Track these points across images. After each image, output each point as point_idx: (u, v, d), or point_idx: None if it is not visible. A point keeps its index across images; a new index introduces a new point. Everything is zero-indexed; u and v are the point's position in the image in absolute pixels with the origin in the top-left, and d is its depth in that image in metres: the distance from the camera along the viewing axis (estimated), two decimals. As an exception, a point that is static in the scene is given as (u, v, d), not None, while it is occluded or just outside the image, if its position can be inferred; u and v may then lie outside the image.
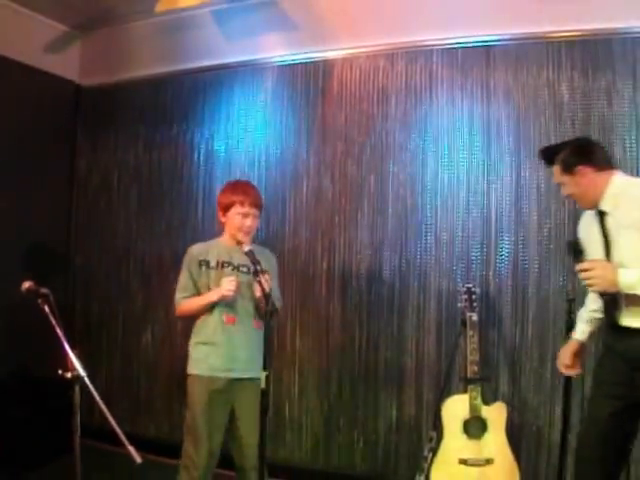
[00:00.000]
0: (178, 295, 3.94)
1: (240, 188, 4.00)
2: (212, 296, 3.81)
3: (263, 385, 3.40)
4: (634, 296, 3.21)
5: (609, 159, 3.53)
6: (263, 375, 3.40)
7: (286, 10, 5.22)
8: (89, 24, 5.96)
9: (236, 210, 3.90)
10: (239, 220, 3.89)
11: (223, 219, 3.98)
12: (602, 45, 4.64)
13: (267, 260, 3.98)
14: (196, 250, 3.98)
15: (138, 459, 2.90)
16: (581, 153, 3.48)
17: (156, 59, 5.90)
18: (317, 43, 5.30)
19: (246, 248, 3.76)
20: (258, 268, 3.63)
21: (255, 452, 3.58)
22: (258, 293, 3.72)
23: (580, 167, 3.42)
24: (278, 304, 3.94)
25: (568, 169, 3.48)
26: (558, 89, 4.71)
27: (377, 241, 5.07)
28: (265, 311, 3.56)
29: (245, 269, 3.94)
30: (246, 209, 3.89)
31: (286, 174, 5.39)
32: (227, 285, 3.75)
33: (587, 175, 3.42)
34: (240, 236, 3.88)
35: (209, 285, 3.89)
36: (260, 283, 3.58)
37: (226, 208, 3.94)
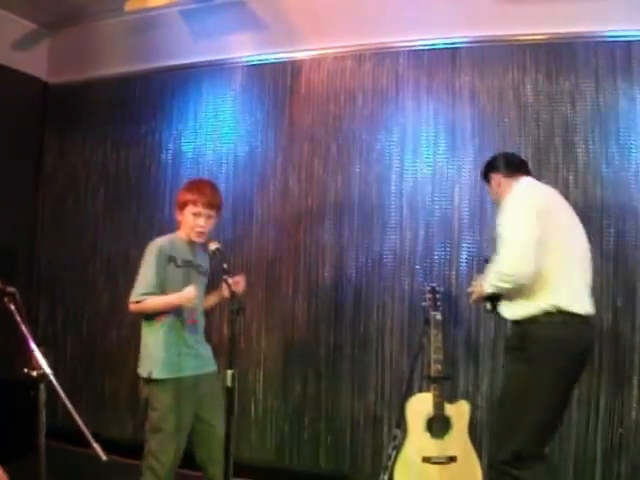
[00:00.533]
0: (140, 290, 3.79)
1: (196, 187, 3.96)
2: (174, 300, 3.72)
3: (229, 383, 3.42)
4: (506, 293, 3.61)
5: (518, 166, 3.92)
6: (229, 373, 3.41)
7: (254, 10, 5.22)
8: (58, 22, 5.91)
9: (190, 209, 3.87)
10: (192, 220, 3.86)
11: (179, 217, 3.95)
12: (566, 48, 4.73)
13: (206, 258, 4.03)
14: (164, 245, 3.87)
15: (104, 457, 2.88)
16: (492, 163, 4.01)
17: (125, 58, 5.88)
18: (285, 43, 5.33)
19: (213, 246, 3.74)
20: (225, 267, 3.65)
21: (221, 445, 3.57)
22: (226, 292, 3.79)
23: (491, 174, 3.98)
24: None
25: (485, 178, 4.06)
26: (523, 91, 4.78)
27: (343, 240, 5.10)
28: (231, 309, 3.53)
29: (202, 269, 3.98)
30: (199, 209, 3.85)
31: (253, 174, 5.40)
32: (188, 296, 3.68)
33: (496, 180, 3.94)
34: (193, 235, 3.88)
35: (173, 283, 3.82)
36: (227, 282, 3.63)
37: (181, 206, 3.92)
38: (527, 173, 3.90)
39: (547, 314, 3.46)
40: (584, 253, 3.68)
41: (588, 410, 4.50)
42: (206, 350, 3.99)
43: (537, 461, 3.51)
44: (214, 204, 3.93)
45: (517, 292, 3.53)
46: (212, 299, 4.12)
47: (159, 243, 3.86)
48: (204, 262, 3.99)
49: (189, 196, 3.89)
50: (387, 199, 5.01)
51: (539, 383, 3.48)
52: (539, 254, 3.43)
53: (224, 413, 3.50)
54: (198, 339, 3.93)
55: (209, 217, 3.89)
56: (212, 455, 3.83)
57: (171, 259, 3.83)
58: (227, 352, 3.50)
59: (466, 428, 4.25)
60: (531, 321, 3.50)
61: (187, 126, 5.67)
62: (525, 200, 3.62)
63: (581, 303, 3.51)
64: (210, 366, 3.95)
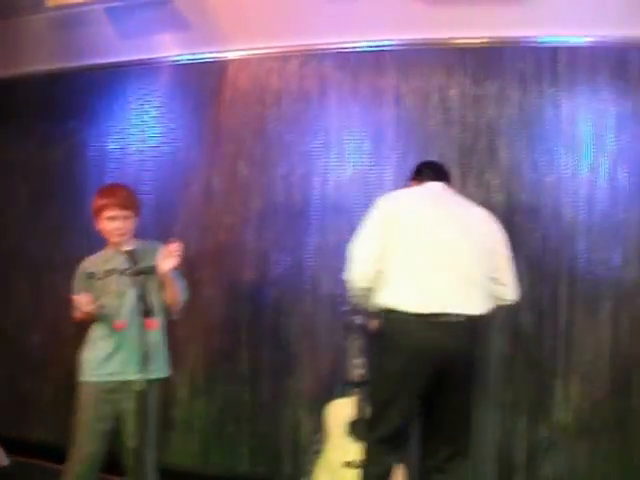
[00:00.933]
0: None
1: (106, 192, 3.94)
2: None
3: (141, 387, 3.50)
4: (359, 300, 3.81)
5: (427, 173, 3.99)
6: (141, 377, 3.48)
7: (181, 10, 5.16)
8: (-21, 17, 5.80)
9: (105, 214, 3.85)
10: (108, 224, 3.85)
11: (99, 226, 3.92)
12: (493, 53, 4.76)
13: (154, 254, 3.86)
14: (84, 264, 3.95)
15: (3, 462, 2.83)
16: (412, 172, 4.08)
17: (50, 55, 5.74)
18: (211, 44, 5.26)
19: (124, 248, 3.72)
20: (137, 268, 3.65)
21: (143, 455, 3.67)
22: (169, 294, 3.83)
23: (410, 182, 4.06)
24: (184, 296, 3.99)
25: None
26: (448, 94, 4.79)
27: (266, 242, 5.07)
28: (140, 311, 3.57)
29: (140, 269, 3.82)
30: (113, 212, 3.82)
31: (178, 174, 5.34)
32: (75, 302, 3.68)
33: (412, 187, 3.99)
34: (115, 239, 3.86)
35: (98, 296, 3.80)
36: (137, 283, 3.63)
37: (97, 214, 3.89)
38: (438, 179, 3.93)
39: (383, 311, 3.56)
40: (459, 253, 3.61)
41: (511, 414, 4.55)
42: (139, 356, 3.75)
43: (377, 464, 3.59)
44: (127, 204, 3.90)
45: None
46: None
47: (82, 264, 3.96)
48: (147, 259, 3.84)
49: (101, 201, 3.88)
50: (310, 201, 4.99)
51: (374, 378, 3.69)
52: (384, 256, 3.56)
53: (147, 425, 3.61)
54: (129, 345, 3.79)
55: (126, 218, 3.87)
56: (132, 465, 3.80)
57: (90, 275, 3.88)
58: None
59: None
60: (379, 317, 3.63)
61: (112, 125, 5.57)
62: (378, 207, 3.75)
63: (418, 302, 3.47)
64: (141, 374, 3.73)
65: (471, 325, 3.52)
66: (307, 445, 4.70)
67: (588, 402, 4.45)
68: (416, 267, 3.54)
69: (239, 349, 5.09)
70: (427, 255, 3.56)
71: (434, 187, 3.90)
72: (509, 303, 3.78)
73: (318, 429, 4.42)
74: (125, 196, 3.92)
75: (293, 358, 4.96)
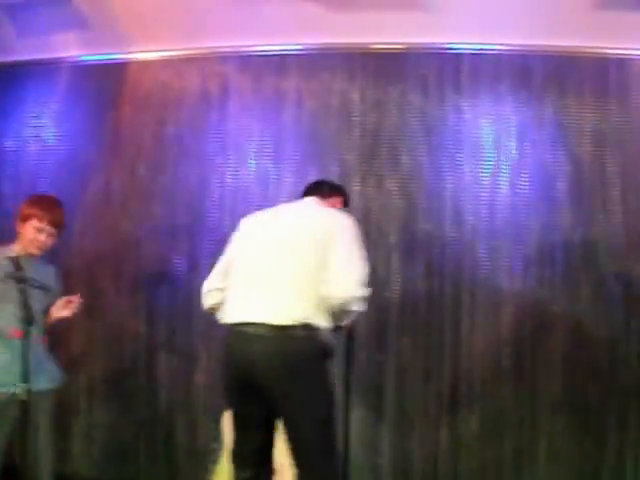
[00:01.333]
0: None
1: (44, 203, 3.90)
2: None
3: (23, 397, 3.38)
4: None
5: (308, 189, 3.86)
6: (23, 388, 3.37)
7: (82, 9, 5.06)
8: None
9: (33, 223, 3.80)
10: (33, 234, 3.80)
11: (20, 229, 3.85)
12: (395, 58, 4.81)
13: (47, 275, 3.96)
14: None
15: None
16: None
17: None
18: (112, 45, 5.19)
19: (10, 253, 3.64)
20: (19, 275, 3.50)
21: (43, 465, 3.71)
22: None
23: None
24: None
25: None
26: (350, 98, 4.82)
27: (166, 245, 5.02)
28: (21, 319, 3.43)
29: (36, 282, 3.75)
30: (43, 225, 3.80)
31: (76, 176, 5.23)
32: None
33: None
34: (31, 248, 3.82)
35: None
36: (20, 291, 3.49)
37: (24, 219, 3.83)
38: (311, 194, 3.81)
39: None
40: (277, 265, 3.44)
41: (410, 424, 4.58)
42: (33, 367, 3.60)
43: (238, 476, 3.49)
44: (58, 223, 3.90)
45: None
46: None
47: None
48: (41, 276, 3.84)
49: (35, 210, 3.84)
50: (211, 203, 4.97)
51: None
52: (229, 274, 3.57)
53: (43, 436, 3.68)
54: (23, 354, 3.57)
55: (50, 235, 3.87)
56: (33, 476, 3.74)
57: None
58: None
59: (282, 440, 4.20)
60: None
61: (9, 125, 5.44)
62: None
63: (234, 313, 3.43)
64: (35, 385, 3.57)
65: (286, 335, 3.29)
66: (205, 453, 4.61)
67: (490, 409, 4.50)
68: (238, 281, 3.49)
69: (137, 356, 5.01)
70: (248, 269, 3.49)
71: (302, 201, 3.79)
72: (336, 301, 3.34)
73: (216, 437, 4.36)
74: (59, 215, 3.93)
75: (191, 365, 4.90)
